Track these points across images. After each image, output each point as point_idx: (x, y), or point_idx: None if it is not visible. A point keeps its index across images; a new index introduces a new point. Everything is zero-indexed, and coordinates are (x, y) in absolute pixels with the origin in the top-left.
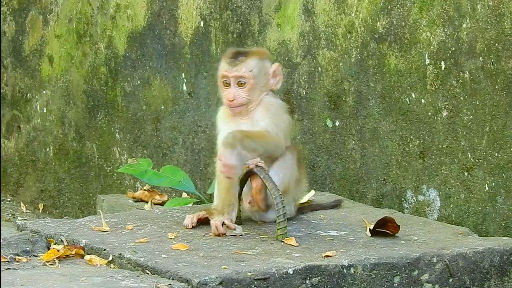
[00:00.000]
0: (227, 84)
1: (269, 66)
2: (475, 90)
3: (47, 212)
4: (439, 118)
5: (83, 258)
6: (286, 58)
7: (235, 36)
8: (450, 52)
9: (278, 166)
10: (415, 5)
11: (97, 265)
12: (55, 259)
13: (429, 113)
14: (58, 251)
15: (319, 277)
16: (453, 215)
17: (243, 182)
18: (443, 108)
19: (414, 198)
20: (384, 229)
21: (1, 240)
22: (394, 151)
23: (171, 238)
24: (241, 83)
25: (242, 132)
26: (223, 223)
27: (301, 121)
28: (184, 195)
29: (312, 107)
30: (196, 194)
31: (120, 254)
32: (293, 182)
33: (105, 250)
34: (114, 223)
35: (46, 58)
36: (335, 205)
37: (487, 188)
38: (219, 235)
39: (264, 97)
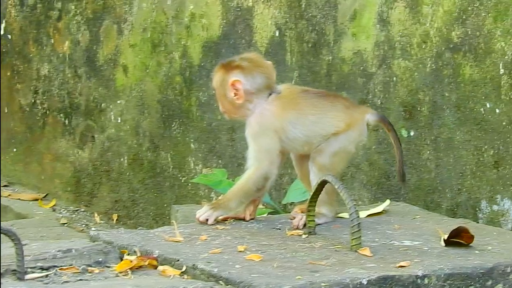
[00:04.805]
0: None
1: (231, 78)
2: None
3: (121, 222)
4: None
5: (156, 269)
6: (361, 67)
7: (310, 45)
8: None
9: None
10: (489, 15)
11: (170, 276)
12: (128, 270)
13: (504, 123)
14: (131, 261)
15: None
16: None
17: (318, 191)
18: None
19: (489, 208)
20: (458, 239)
21: (74, 251)
22: (468, 161)
23: (240, 251)
24: None
25: (220, 201)
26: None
27: (376, 131)
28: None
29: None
30: (271, 204)
31: (193, 265)
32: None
33: (178, 260)
34: (188, 233)
35: (121, 68)
36: None
37: None
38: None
39: (256, 107)
